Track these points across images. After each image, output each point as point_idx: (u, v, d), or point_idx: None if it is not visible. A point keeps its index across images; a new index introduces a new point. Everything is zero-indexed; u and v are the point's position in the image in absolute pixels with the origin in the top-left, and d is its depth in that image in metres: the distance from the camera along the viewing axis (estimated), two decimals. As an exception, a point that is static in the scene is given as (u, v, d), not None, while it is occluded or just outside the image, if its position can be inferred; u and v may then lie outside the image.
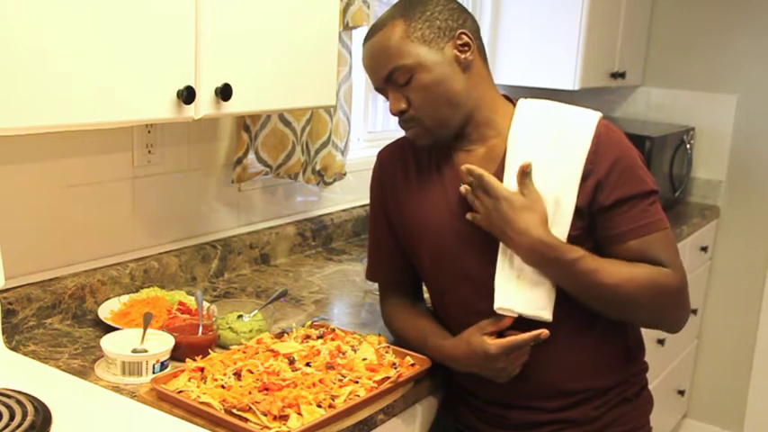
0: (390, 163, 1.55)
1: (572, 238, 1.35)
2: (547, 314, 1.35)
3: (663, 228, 1.37)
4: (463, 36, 1.38)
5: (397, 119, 1.43)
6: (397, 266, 1.57)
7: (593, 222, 1.37)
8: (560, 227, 1.35)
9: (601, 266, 1.33)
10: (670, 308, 1.39)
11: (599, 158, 1.35)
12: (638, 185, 1.36)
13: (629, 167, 1.36)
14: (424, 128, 1.40)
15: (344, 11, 2.02)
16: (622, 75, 3.04)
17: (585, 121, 1.39)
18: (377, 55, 1.40)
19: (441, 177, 1.45)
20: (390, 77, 1.38)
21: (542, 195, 1.35)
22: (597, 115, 1.40)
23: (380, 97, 1.52)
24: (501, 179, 1.37)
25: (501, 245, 1.37)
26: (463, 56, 1.38)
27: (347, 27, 2.05)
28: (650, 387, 1.52)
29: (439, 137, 1.42)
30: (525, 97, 1.47)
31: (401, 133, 1.48)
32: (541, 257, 1.33)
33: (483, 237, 1.38)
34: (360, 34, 2.37)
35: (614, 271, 1.33)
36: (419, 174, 1.49)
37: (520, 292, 1.34)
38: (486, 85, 1.43)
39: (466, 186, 1.38)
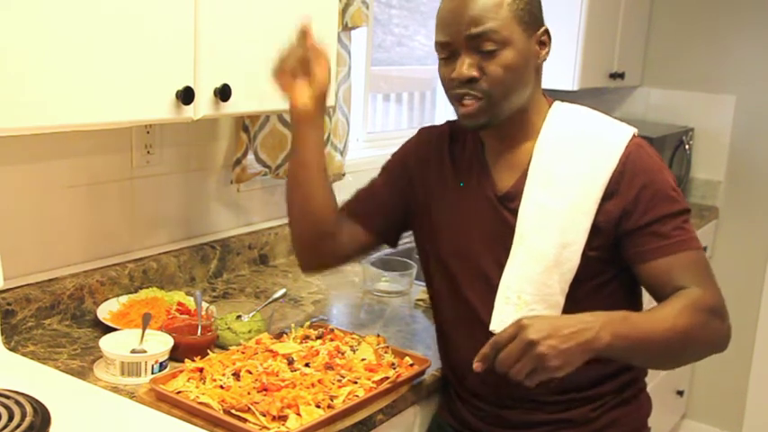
0: (427, 144, 1.51)
1: (589, 259, 1.32)
2: None
3: (694, 247, 1.32)
4: (546, 33, 1.36)
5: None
6: (376, 219, 1.53)
7: (618, 245, 1.33)
8: (574, 246, 1.31)
9: (645, 315, 1.26)
10: (715, 327, 1.29)
11: (625, 181, 1.31)
12: (669, 206, 1.31)
13: (659, 191, 1.32)
14: (487, 104, 1.31)
15: (344, 11, 2.02)
16: (621, 75, 3.04)
17: (616, 138, 1.34)
18: (473, 7, 1.28)
19: (470, 173, 1.43)
20: (476, 38, 1.28)
21: (558, 210, 1.31)
22: (630, 133, 1.36)
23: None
24: (522, 187, 1.35)
25: (511, 256, 1.34)
26: (543, 51, 1.36)
27: (346, 27, 2.05)
28: (649, 387, 1.51)
29: (492, 119, 1.33)
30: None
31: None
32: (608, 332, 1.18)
33: (500, 238, 1.36)
34: (359, 35, 2.38)
35: (660, 315, 1.25)
36: (452, 164, 1.46)
37: (517, 314, 1.31)
38: (540, 87, 1.41)
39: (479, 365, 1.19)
